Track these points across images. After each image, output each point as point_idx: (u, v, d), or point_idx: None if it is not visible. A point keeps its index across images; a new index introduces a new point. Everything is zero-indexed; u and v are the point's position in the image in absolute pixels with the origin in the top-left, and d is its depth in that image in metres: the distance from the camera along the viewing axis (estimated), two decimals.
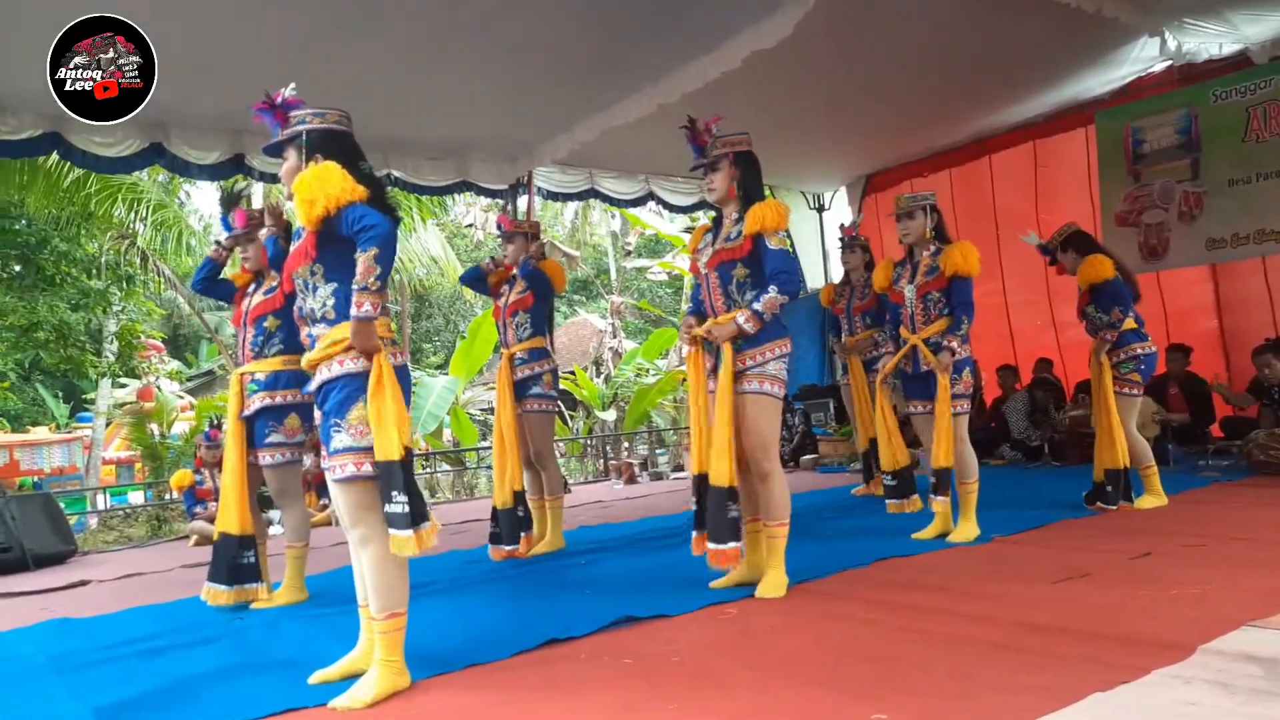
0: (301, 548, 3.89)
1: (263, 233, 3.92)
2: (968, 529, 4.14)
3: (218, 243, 4.07)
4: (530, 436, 4.74)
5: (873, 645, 2.58)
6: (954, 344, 4.15)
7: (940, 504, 4.25)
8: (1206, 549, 3.51)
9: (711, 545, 3.33)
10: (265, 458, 3.75)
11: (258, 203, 11.75)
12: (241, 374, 3.81)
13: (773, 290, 3.30)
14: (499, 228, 5.07)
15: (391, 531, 2.44)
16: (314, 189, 2.46)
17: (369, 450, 2.47)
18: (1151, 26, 5.95)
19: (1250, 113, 6.60)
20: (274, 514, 5.31)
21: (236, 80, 5.58)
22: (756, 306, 3.30)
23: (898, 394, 6.21)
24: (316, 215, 2.46)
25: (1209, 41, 6.27)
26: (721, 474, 3.29)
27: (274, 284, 3.81)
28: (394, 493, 2.43)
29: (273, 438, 3.74)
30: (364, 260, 2.42)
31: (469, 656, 2.73)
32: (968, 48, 6.29)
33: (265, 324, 3.79)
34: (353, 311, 2.42)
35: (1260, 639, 2.29)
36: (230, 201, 4.09)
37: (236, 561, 3.74)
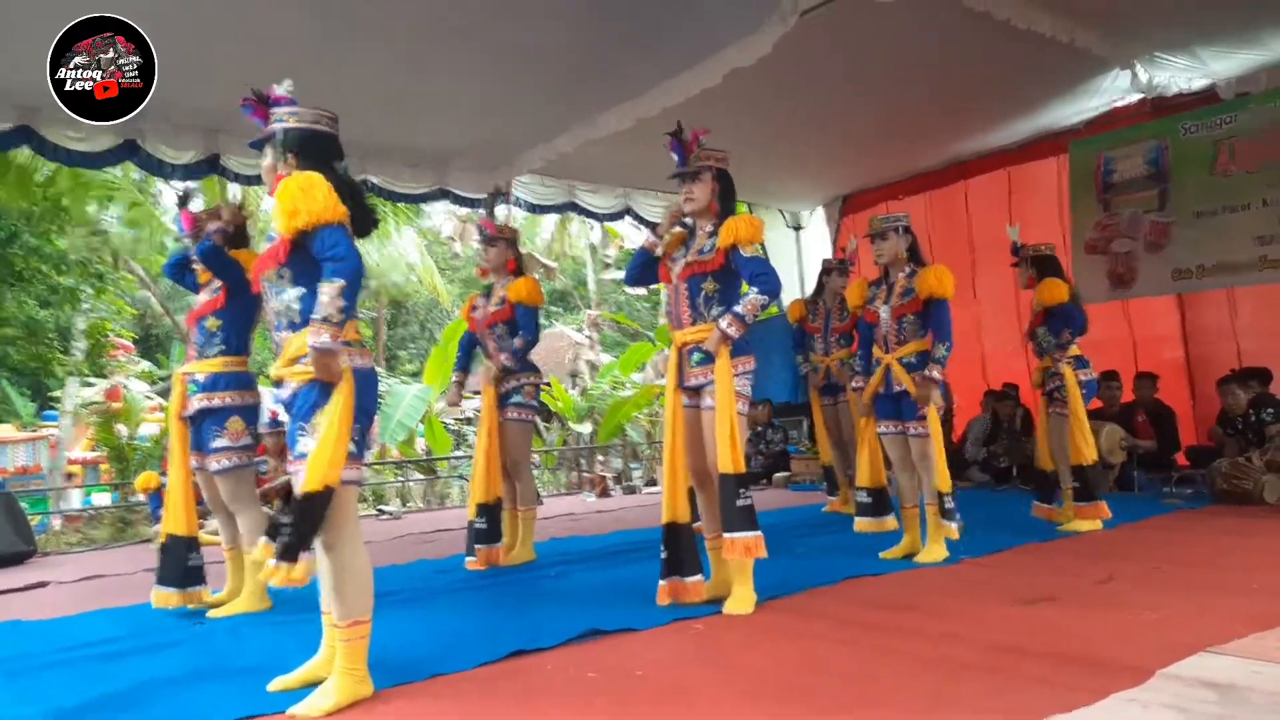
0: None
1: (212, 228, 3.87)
2: (936, 550, 4.17)
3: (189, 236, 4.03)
4: (507, 446, 4.71)
5: (839, 663, 2.59)
6: (935, 373, 4.13)
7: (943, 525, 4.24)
8: (1169, 575, 3.56)
9: (731, 535, 3.27)
10: (213, 464, 3.70)
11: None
12: (183, 374, 3.78)
13: (753, 293, 3.30)
14: (481, 231, 5.00)
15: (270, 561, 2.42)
16: (297, 200, 2.45)
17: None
18: (1123, 59, 6.08)
19: (1218, 147, 6.75)
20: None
21: (214, 79, 5.55)
22: (737, 309, 3.30)
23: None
24: (295, 227, 2.45)
25: (1179, 76, 6.42)
26: (726, 463, 3.27)
27: (217, 285, 3.78)
28: (291, 524, 2.39)
29: (218, 442, 3.68)
30: (329, 290, 2.39)
31: (432, 666, 2.70)
32: (945, 74, 6.40)
33: (206, 324, 3.74)
34: (311, 341, 2.39)
35: (1217, 664, 2.32)
36: (181, 202, 4.07)
37: (186, 564, 3.69)
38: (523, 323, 4.65)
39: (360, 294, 2.50)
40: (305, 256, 2.52)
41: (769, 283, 3.32)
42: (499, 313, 4.72)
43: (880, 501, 4.79)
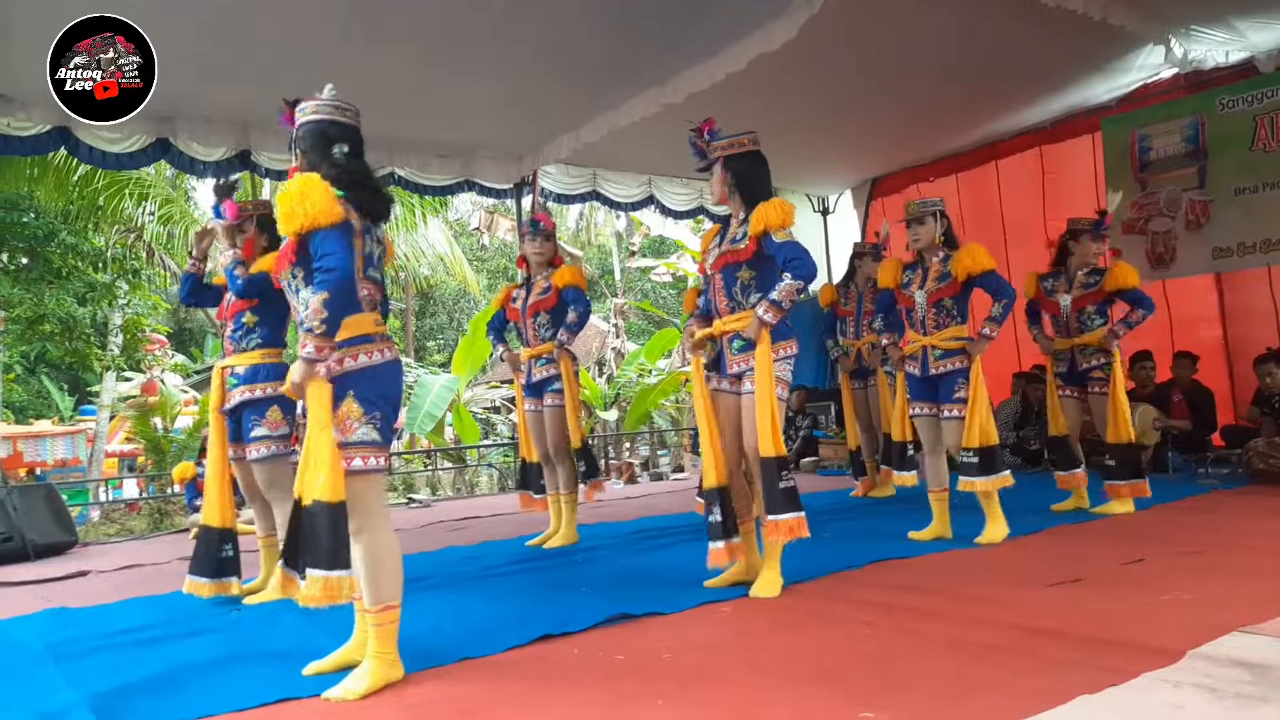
0: None
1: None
2: (996, 529, 4.14)
3: (191, 256, 4.02)
4: (548, 430, 4.82)
5: (866, 646, 2.59)
6: (989, 330, 4.18)
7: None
8: (1202, 556, 3.51)
9: (774, 517, 3.28)
10: (252, 452, 3.74)
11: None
12: (222, 367, 3.82)
13: (787, 278, 3.27)
14: (536, 225, 4.99)
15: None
16: (294, 203, 2.46)
17: (358, 445, 2.50)
18: (1157, 34, 5.94)
19: (1257, 121, 6.59)
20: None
21: (244, 76, 5.62)
22: (773, 296, 3.27)
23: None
24: (293, 230, 2.50)
25: (1215, 49, 6.27)
26: (768, 447, 3.27)
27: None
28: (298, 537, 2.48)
29: (257, 431, 3.72)
30: (315, 301, 2.42)
31: (462, 650, 2.74)
32: (974, 52, 6.29)
33: (244, 319, 3.77)
34: (299, 350, 2.45)
35: (1250, 644, 2.29)
36: (224, 191, 4.07)
37: (218, 555, 3.74)
38: (575, 299, 4.78)
39: (347, 298, 2.48)
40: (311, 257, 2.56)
41: (803, 268, 3.28)
42: (543, 301, 4.80)
43: (902, 455, 5.37)
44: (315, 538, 2.42)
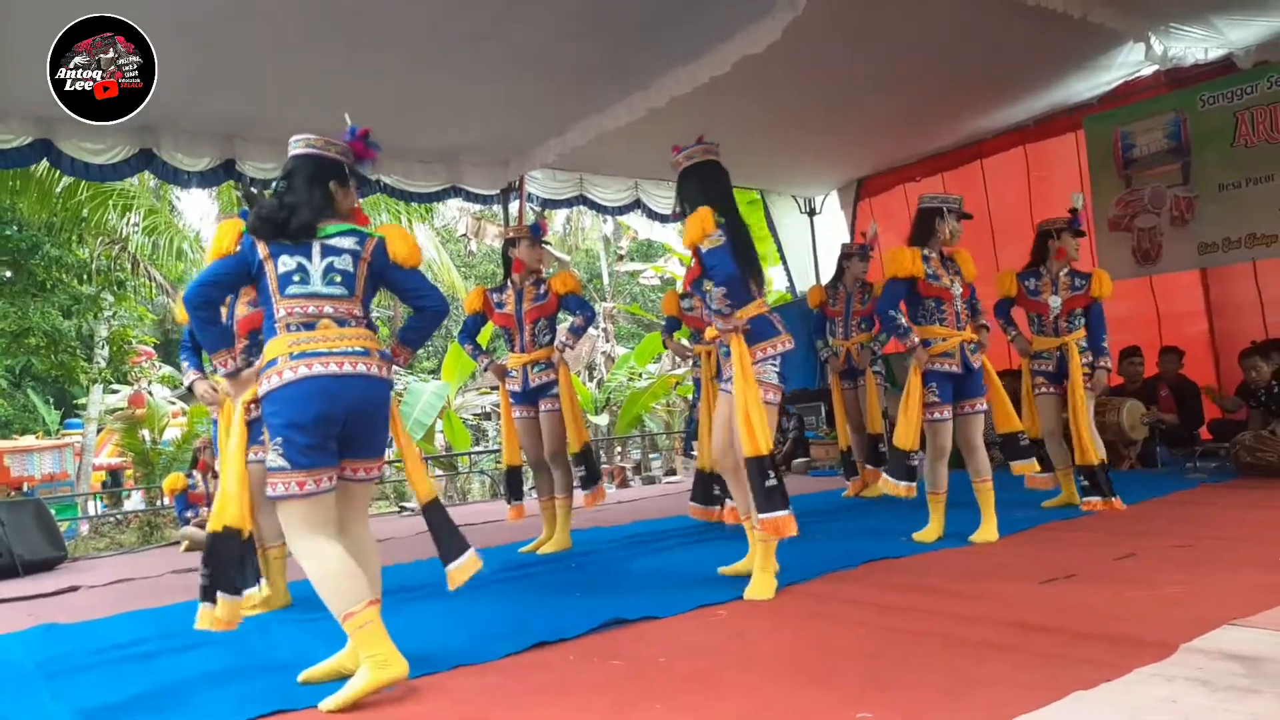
0: (280, 547, 3.81)
1: None
2: (988, 530, 4.16)
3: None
4: (547, 435, 4.83)
5: (860, 645, 2.59)
6: (987, 322, 4.53)
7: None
8: (1192, 550, 3.54)
9: (762, 515, 3.30)
10: (254, 454, 3.70)
11: None
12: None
13: (710, 286, 3.44)
14: (535, 231, 5.00)
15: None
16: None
17: (271, 471, 2.53)
18: (1137, 32, 5.98)
19: (1238, 117, 6.65)
20: None
21: (228, 85, 5.59)
22: (713, 306, 3.46)
23: (890, 395, 6.27)
24: None
25: (1195, 46, 6.31)
26: (748, 447, 3.29)
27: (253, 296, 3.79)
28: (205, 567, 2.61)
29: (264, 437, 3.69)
30: None
31: (458, 657, 2.73)
32: (957, 52, 6.33)
33: (260, 337, 3.74)
34: None
35: (1242, 637, 2.31)
36: (251, 199, 4.04)
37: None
38: (579, 305, 4.90)
39: (199, 313, 2.63)
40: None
41: (720, 273, 3.34)
42: (542, 307, 4.82)
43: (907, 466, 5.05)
44: (220, 561, 2.57)
